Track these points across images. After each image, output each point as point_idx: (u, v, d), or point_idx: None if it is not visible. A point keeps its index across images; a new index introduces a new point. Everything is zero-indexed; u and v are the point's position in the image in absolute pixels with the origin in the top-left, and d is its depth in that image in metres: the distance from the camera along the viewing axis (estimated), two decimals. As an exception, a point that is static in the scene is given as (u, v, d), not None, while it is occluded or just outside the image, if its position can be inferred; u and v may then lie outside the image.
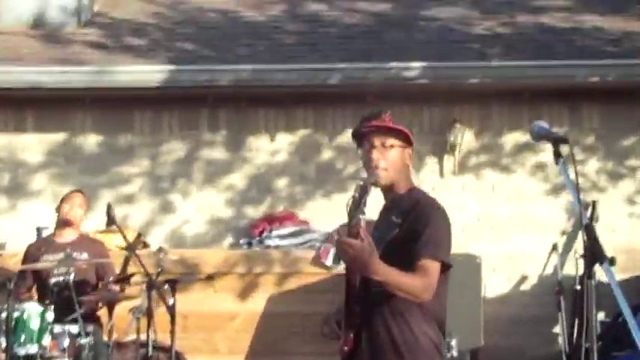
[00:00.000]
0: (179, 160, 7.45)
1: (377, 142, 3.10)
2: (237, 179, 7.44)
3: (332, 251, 6.95)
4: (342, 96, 7.24)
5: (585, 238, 2.53)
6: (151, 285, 5.15)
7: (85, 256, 5.65)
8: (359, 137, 3.20)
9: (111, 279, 5.63)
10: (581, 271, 6.41)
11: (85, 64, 7.17)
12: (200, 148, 7.45)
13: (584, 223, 2.55)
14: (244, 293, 6.88)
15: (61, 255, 5.56)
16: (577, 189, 2.61)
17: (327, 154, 7.45)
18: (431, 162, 7.32)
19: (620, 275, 6.23)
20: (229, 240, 7.38)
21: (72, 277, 5.27)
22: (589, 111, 7.27)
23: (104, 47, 7.56)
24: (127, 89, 7.06)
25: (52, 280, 5.49)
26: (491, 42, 7.45)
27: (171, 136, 7.43)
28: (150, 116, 7.44)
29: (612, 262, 2.49)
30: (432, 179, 7.26)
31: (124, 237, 5.50)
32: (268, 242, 7.16)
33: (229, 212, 7.43)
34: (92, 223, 6.54)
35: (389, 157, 3.09)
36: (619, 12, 7.94)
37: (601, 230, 2.92)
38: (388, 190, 3.15)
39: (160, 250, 5.66)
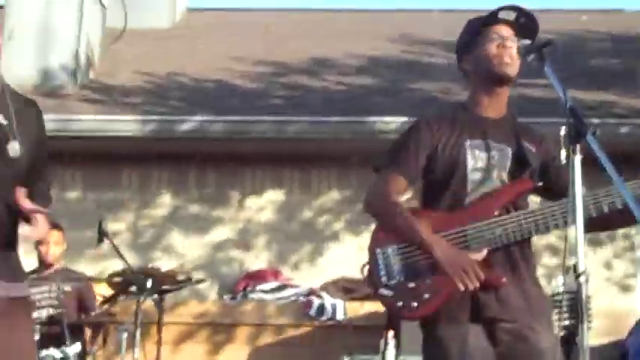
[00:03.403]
0: (165, 216, 7.57)
1: (509, 34, 2.97)
2: (224, 235, 7.57)
3: (316, 303, 7.04)
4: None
5: (570, 117, 2.69)
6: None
7: (67, 288, 5.63)
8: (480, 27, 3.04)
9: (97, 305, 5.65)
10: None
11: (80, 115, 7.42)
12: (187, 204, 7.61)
13: (569, 106, 2.71)
14: (222, 344, 6.96)
15: (44, 288, 5.57)
16: (563, 89, 2.73)
17: (310, 214, 7.61)
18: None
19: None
20: (213, 296, 7.40)
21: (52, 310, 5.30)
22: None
23: (99, 103, 7.83)
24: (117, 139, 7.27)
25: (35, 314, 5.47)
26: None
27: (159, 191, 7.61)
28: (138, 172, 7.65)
29: (596, 134, 2.61)
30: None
31: (118, 252, 5.48)
32: (252, 296, 7.21)
33: (214, 268, 7.50)
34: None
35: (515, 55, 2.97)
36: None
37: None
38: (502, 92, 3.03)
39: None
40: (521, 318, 2.86)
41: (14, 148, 2.65)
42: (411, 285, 2.91)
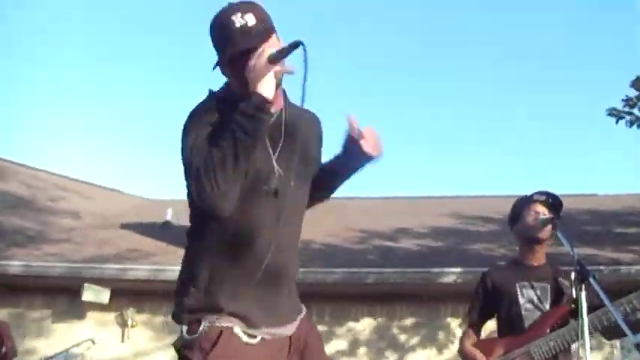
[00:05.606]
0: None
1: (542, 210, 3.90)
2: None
3: None
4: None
5: (577, 265, 3.43)
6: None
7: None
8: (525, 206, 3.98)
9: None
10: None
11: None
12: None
13: (576, 258, 3.46)
14: None
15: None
16: (571, 246, 3.53)
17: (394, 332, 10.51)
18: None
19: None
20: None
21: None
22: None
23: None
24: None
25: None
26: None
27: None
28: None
29: (595, 277, 3.41)
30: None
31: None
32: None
33: None
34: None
35: None
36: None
37: None
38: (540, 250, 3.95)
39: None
40: None
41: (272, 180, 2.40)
42: None
